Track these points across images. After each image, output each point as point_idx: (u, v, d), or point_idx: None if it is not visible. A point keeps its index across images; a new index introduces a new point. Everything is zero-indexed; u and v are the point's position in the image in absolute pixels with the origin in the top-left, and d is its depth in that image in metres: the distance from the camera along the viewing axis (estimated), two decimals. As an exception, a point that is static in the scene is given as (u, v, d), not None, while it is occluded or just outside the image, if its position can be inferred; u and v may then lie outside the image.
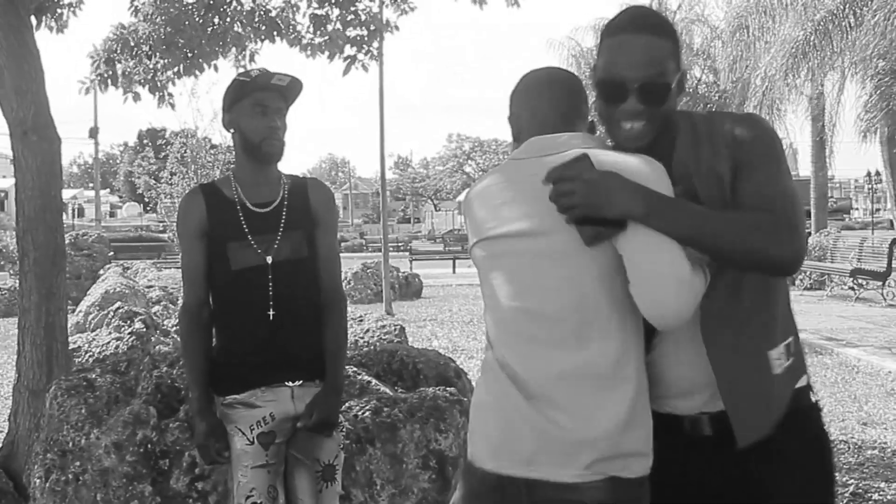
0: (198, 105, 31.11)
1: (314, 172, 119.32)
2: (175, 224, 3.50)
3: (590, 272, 2.31)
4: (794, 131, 74.37)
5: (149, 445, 4.20)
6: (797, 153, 64.70)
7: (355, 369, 5.76)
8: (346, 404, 4.65)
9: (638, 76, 2.31)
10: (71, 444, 4.25)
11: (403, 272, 22.52)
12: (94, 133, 55.78)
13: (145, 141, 78.06)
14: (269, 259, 3.41)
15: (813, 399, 2.56)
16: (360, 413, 4.54)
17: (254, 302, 3.40)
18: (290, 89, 3.51)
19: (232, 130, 3.52)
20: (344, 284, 19.34)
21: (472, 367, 11.63)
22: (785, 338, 2.46)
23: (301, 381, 3.44)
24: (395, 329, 12.56)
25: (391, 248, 39.50)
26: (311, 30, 9.34)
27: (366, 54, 9.14)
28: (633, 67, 2.32)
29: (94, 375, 4.59)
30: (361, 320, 12.71)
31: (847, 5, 17.86)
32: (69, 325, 7.44)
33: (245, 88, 3.45)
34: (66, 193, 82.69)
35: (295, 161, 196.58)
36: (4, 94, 6.03)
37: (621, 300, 2.30)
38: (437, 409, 4.58)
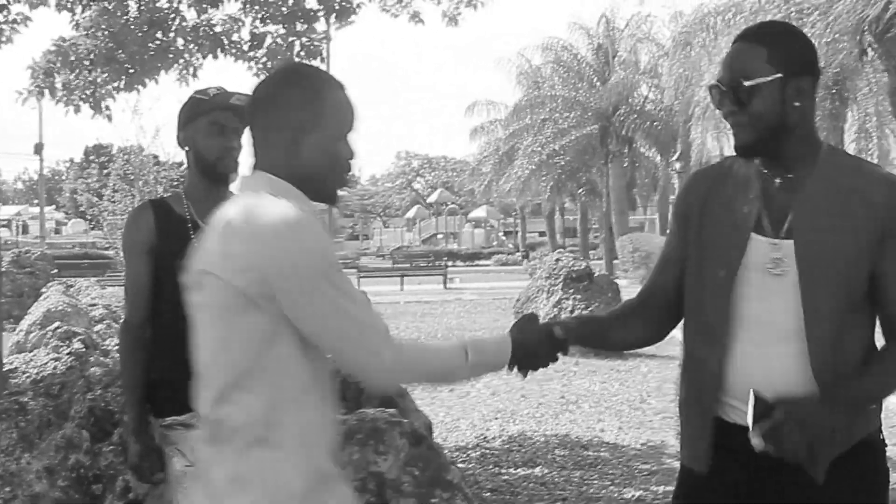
0: (140, 122, 30.83)
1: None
2: (121, 240, 3.43)
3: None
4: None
5: (81, 470, 4.12)
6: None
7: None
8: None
9: (724, 79, 2.57)
10: (1, 469, 4.15)
11: (351, 290, 22.43)
12: (38, 149, 55.10)
13: (91, 157, 77.21)
14: None
15: (881, 436, 2.68)
16: (298, 435, 4.46)
17: None
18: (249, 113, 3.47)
19: (186, 148, 3.45)
20: (290, 302, 19.67)
21: (418, 385, 11.59)
22: None
23: None
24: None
25: (358, 266, 39.33)
26: (251, 47, 9.27)
27: None
28: (722, 71, 2.60)
29: (26, 399, 4.50)
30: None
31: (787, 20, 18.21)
32: (9, 345, 7.30)
33: (202, 106, 3.41)
34: (10, 210, 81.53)
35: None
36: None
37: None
38: (377, 431, 4.53)
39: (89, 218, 49.47)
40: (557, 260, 14.97)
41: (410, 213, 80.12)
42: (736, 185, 2.67)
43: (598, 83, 35.56)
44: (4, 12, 8.10)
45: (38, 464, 4.10)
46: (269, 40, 9.30)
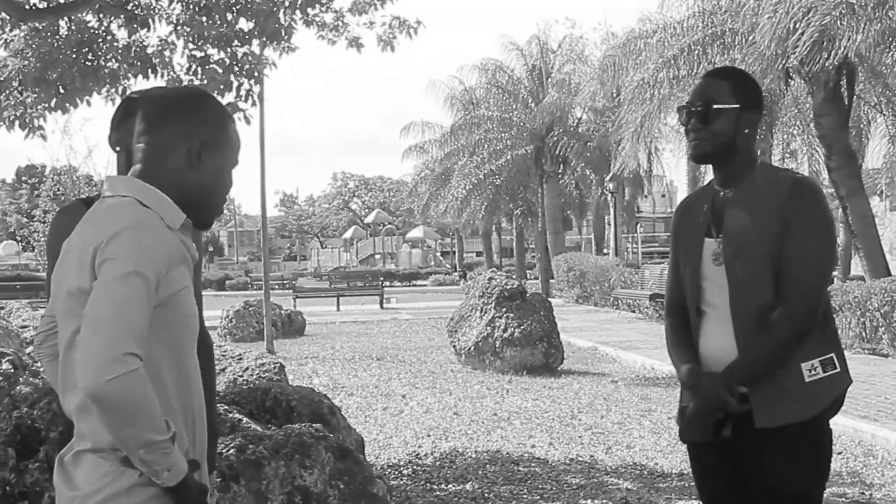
0: (70, 142, 30.42)
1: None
2: (48, 242, 3.23)
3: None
4: (671, 168, 76.18)
5: (7, 487, 4.12)
6: (676, 191, 66.16)
7: (226, 407, 5.72)
8: (214, 443, 4.61)
9: (694, 101, 3.25)
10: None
11: (286, 310, 22.35)
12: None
13: (23, 178, 76.13)
14: None
15: (826, 423, 3.22)
16: (224, 451, 4.50)
17: None
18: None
19: (118, 149, 3.28)
20: (225, 322, 19.09)
21: (352, 404, 11.64)
22: (823, 353, 3.14)
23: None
24: (274, 367, 12.43)
25: (276, 287, 39.19)
26: (189, 70, 9.28)
27: (246, 100, 9.07)
28: (692, 96, 3.28)
29: (-49, 417, 4.48)
30: (241, 359, 12.53)
31: (697, 44, 18.94)
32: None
33: (134, 106, 3.16)
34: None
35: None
36: None
37: None
38: (303, 446, 4.57)
39: (19, 239, 48.73)
40: (490, 279, 15.07)
41: (348, 234, 80.00)
42: (697, 203, 3.40)
43: (532, 104, 35.82)
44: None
45: (-38, 481, 4.10)
46: (205, 63, 9.32)
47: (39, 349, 2.67)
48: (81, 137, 42.24)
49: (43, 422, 4.36)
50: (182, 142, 2.47)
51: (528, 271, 45.41)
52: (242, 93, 8.88)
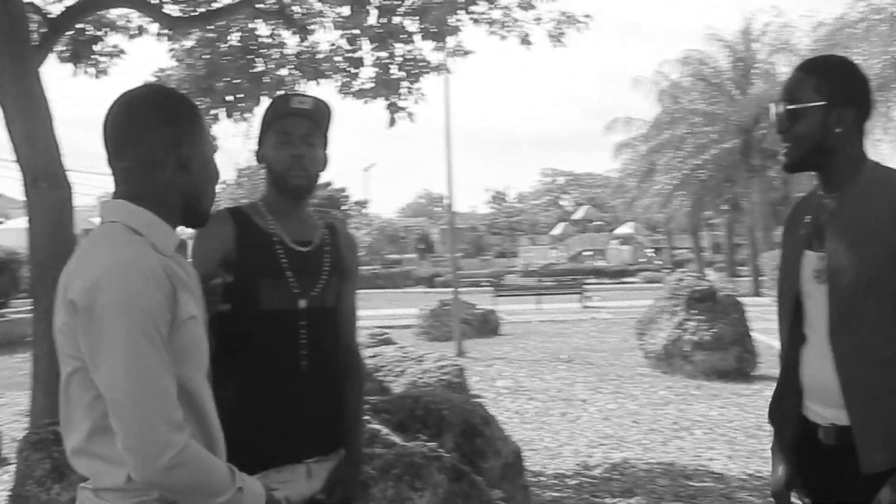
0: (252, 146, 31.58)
1: (411, 207, 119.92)
2: (195, 249, 3.02)
3: None
4: (889, 163, 72.50)
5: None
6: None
7: (366, 417, 5.59)
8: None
9: (778, 102, 2.86)
10: (33, 499, 4.16)
11: (481, 309, 22.25)
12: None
13: (243, 178, 79.42)
14: (304, 303, 3.01)
15: None
16: (330, 469, 4.33)
17: (284, 351, 2.98)
18: (317, 113, 3.12)
19: (263, 164, 3.15)
20: (421, 321, 19.31)
21: (530, 408, 11.40)
22: None
23: (317, 458, 3.03)
24: (454, 369, 12.38)
25: (483, 284, 39.35)
26: (354, 72, 9.29)
27: (407, 98, 9.01)
28: (779, 96, 2.89)
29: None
30: (421, 360, 12.55)
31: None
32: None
33: (267, 118, 3.12)
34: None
35: (392, 195, 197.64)
36: (16, 143, 6.05)
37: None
38: (413, 466, 4.36)
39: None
40: (680, 279, 14.51)
41: (557, 231, 79.78)
42: (801, 211, 2.97)
43: (737, 96, 34.62)
44: (100, 44, 8.28)
45: (67, 495, 4.10)
46: (368, 61, 9.32)
47: None
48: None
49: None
50: (168, 149, 2.28)
51: (739, 268, 43.92)
52: (403, 91, 8.83)
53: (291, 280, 3.01)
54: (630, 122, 41.84)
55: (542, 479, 7.97)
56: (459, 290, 19.85)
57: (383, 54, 9.24)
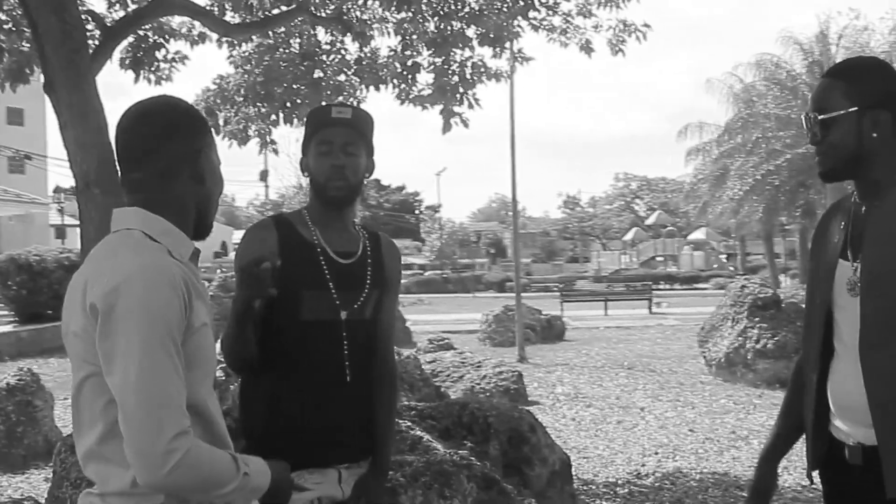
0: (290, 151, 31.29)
1: (484, 212, 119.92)
2: (238, 258, 3.07)
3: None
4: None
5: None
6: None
7: (408, 424, 5.61)
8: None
9: (809, 112, 2.75)
10: (69, 501, 4.24)
11: (546, 315, 22.16)
12: (263, 176, 57.78)
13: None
14: (344, 315, 3.05)
15: None
16: (361, 476, 4.36)
17: (328, 361, 3.03)
18: (357, 121, 3.14)
19: (307, 174, 3.18)
20: (485, 327, 19.30)
21: (587, 416, 11.34)
22: None
23: (348, 464, 3.09)
24: (512, 376, 12.39)
25: (553, 290, 39.21)
26: (411, 79, 9.35)
27: (461, 104, 9.06)
28: (809, 104, 2.78)
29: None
30: (479, 366, 12.57)
31: None
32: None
33: (308, 129, 3.17)
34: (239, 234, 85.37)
35: (465, 200, 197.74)
36: (70, 148, 6.18)
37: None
38: (443, 474, 4.36)
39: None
40: (743, 287, 14.31)
41: (628, 236, 79.15)
42: (835, 218, 2.82)
43: (813, 100, 33.95)
44: (162, 51, 8.43)
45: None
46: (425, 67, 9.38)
47: None
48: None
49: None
50: (184, 162, 2.34)
51: (813, 275, 43.10)
52: (457, 96, 8.87)
53: (334, 292, 3.04)
54: (702, 127, 41.33)
55: (592, 487, 7.94)
56: (529, 295, 19.80)
57: (439, 60, 9.28)
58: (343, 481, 3.08)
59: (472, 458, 4.65)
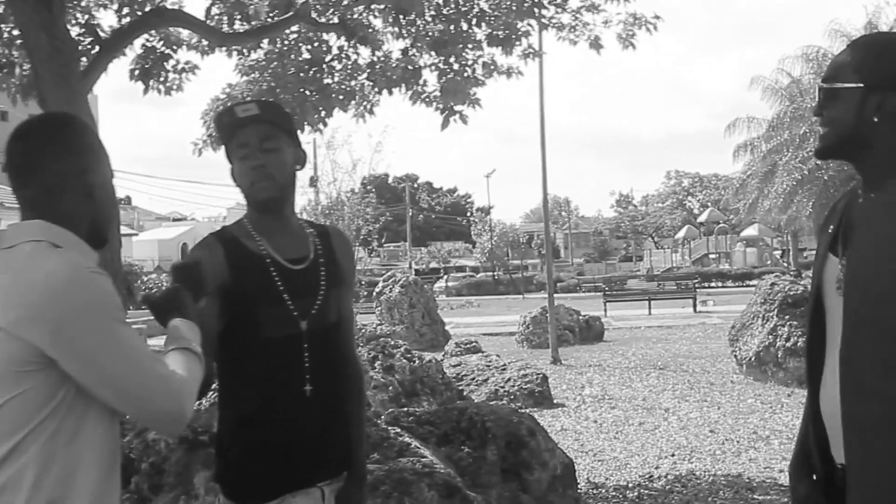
0: (335, 156, 31.19)
1: (535, 213, 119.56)
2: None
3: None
4: None
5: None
6: None
7: (397, 430, 5.59)
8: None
9: (821, 81, 2.46)
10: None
11: (584, 315, 22.02)
12: (313, 181, 58.03)
13: (369, 187, 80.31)
14: (304, 325, 2.88)
15: None
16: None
17: (287, 377, 2.87)
18: (268, 114, 2.95)
19: (236, 182, 2.99)
20: (522, 329, 19.28)
21: (609, 417, 11.26)
22: None
23: (330, 480, 2.94)
24: (536, 378, 12.35)
25: (605, 289, 38.98)
26: (418, 81, 9.36)
27: (466, 105, 9.09)
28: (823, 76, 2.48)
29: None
30: (504, 369, 12.56)
31: None
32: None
33: (222, 135, 2.98)
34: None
35: (518, 201, 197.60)
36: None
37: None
38: (403, 483, 4.34)
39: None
40: (773, 284, 14.12)
41: (681, 234, 78.44)
42: (837, 208, 2.52)
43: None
44: (171, 61, 8.50)
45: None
46: (432, 69, 9.39)
47: None
48: (346, 151, 44.05)
49: (136, 452, 4.40)
50: (73, 177, 2.33)
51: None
52: (469, 94, 8.90)
53: (290, 304, 2.89)
54: (751, 122, 40.93)
55: (602, 490, 7.88)
56: (578, 295, 19.75)
57: (443, 61, 9.29)
58: (326, 498, 2.94)
59: (436, 466, 4.63)
